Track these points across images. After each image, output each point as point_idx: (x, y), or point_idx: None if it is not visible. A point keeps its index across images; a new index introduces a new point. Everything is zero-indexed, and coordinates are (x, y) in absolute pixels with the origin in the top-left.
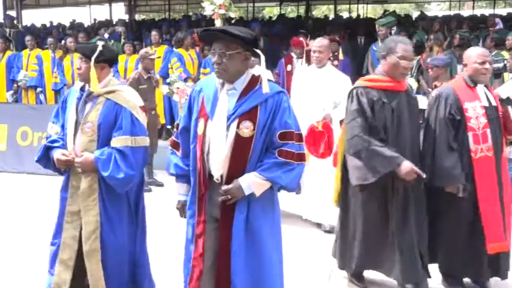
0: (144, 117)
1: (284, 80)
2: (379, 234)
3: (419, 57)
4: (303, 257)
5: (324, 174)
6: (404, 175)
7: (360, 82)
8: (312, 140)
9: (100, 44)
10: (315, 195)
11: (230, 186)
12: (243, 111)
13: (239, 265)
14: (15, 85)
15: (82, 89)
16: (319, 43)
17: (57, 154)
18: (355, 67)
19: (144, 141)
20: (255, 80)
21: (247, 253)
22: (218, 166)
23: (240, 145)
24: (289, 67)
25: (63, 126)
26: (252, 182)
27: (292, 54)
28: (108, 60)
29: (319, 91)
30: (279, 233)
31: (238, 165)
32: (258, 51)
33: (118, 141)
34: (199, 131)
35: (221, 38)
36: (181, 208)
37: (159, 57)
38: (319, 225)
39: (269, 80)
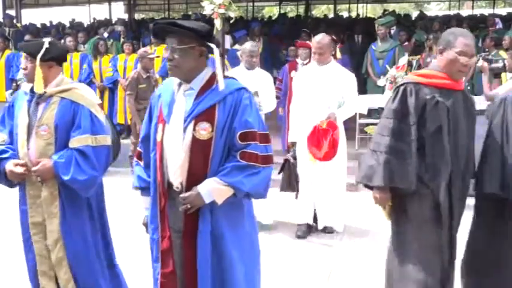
0: (103, 115)
1: (287, 87)
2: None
3: (418, 56)
4: (302, 257)
5: (327, 176)
6: (375, 197)
7: (412, 77)
8: (315, 141)
9: (46, 40)
10: (318, 199)
11: (188, 193)
12: (200, 111)
13: (206, 281)
14: (14, 84)
15: (32, 90)
16: (318, 44)
17: (9, 165)
18: (354, 66)
19: (106, 140)
20: (213, 78)
21: (213, 268)
22: (177, 173)
23: (198, 149)
24: (293, 73)
25: (11, 133)
26: (212, 189)
27: (298, 60)
28: (57, 58)
29: (323, 89)
30: (249, 246)
31: (198, 171)
32: (212, 45)
33: (77, 141)
34: (158, 138)
35: (172, 32)
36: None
37: (158, 56)
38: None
39: (230, 77)
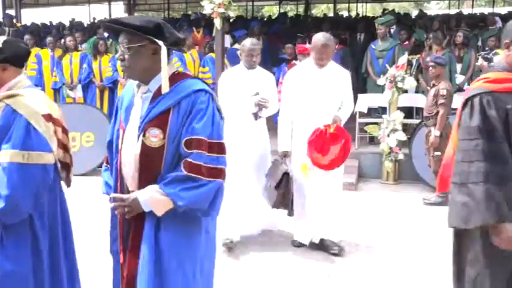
0: (47, 128)
1: None
2: None
3: (418, 56)
4: (302, 255)
5: (324, 186)
6: (502, 239)
7: (481, 85)
8: (319, 146)
9: (1, 39)
10: (317, 214)
11: (127, 196)
12: (152, 116)
13: None
14: None
15: None
16: (326, 48)
17: None
18: (354, 64)
19: (42, 158)
20: (174, 78)
21: (154, 285)
22: (133, 184)
23: (149, 157)
24: None
25: None
26: (150, 198)
27: (296, 62)
28: (11, 59)
29: (326, 93)
30: (202, 265)
31: (149, 181)
32: (160, 42)
33: (3, 155)
34: (119, 144)
35: (121, 30)
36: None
37: None
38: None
39: (193, 77)
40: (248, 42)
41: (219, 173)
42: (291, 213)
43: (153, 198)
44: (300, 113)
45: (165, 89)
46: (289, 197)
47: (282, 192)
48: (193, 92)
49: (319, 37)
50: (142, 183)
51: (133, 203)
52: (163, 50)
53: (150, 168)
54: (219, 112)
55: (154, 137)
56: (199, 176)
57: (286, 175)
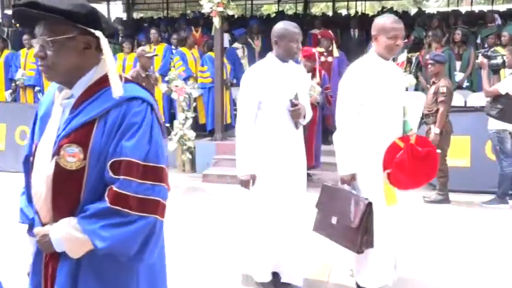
0: None
1: None
2: None
3: (417, 53)
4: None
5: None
6: None
7: None
8: (407, 167)
9: None
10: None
11: (38, 230)
12: (71, 129)
13: None
14: (13, 84)
15: None
16: (398, 24)
17: None
18: (350, 61)
19: None
20: (104, 81)
21: None
22: (47, 215)
23: (64, 182)
24: None
25: None
26: (64, 237)
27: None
28: None
29: (399, 91)
30: None
31: (65, 212)
32: (98, 32)
33: None
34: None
35: (38, 17)
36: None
37: (156, 55)
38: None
39: (129, 81)
40: (289, 25)
41: (154, 207)
42: (362, 250)
43: (70, 238)
44: (373, 122)
45: (118, 91)
46: (373, 232)
47: (365, 229)
48: (125, 100)
49: (386, 16)
50: (56, 215)
51: (44, 242)
52: (105, 42)
53: (66, 196)
54: (160, 127)
55: (72, 157)
56: (126, 210)
57: (369, 206)
